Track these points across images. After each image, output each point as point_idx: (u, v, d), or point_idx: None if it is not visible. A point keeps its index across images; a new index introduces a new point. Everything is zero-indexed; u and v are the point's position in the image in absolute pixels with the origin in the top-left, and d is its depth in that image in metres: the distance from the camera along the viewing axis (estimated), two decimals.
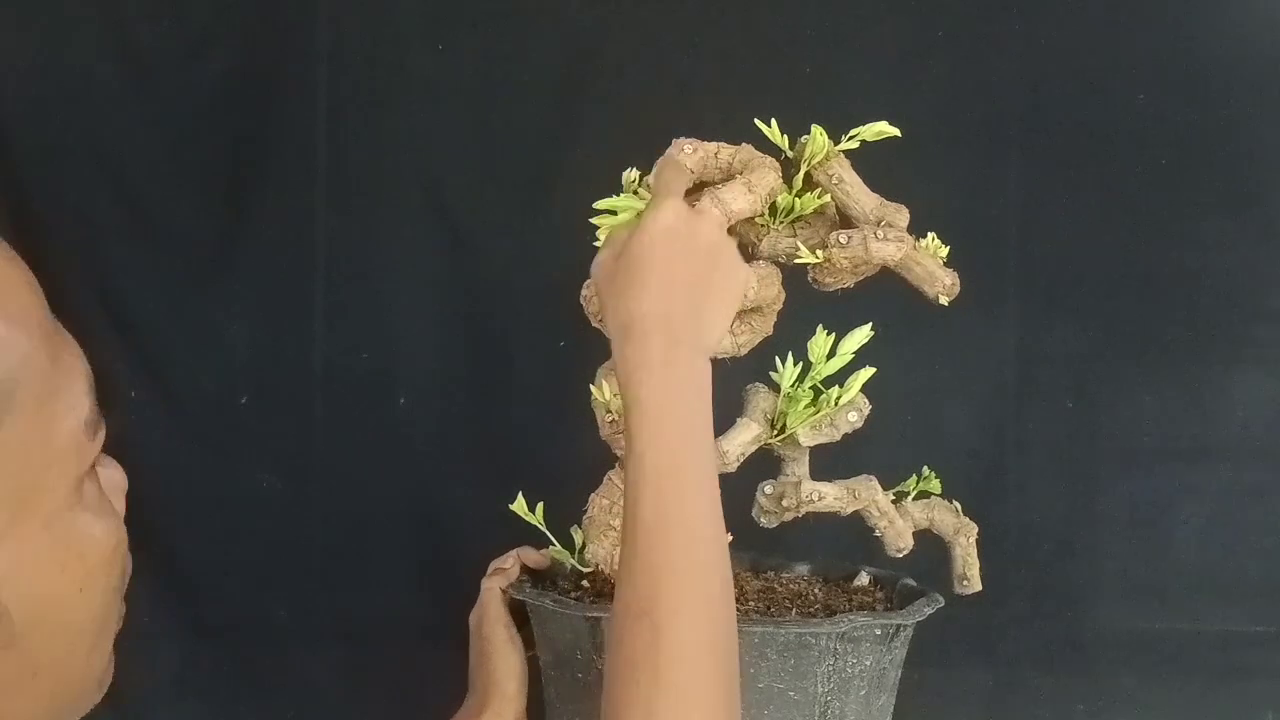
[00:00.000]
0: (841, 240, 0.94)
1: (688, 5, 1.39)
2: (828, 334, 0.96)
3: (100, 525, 0.60)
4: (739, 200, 0.90)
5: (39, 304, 0.58)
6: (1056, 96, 1.36)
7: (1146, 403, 1.37)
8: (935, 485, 1.04)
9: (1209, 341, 1.37)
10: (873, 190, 0.96)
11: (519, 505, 1.01)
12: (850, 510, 0.98)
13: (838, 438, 0.97)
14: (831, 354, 0.96)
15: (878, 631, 0.92)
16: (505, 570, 1.03)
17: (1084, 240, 1.37)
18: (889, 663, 0.95)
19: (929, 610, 0.95)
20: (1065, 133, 1.37)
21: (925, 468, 1.04)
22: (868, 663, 0.92)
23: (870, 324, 0.96)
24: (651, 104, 1.37)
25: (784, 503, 0.97)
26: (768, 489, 0.98)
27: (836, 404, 0.96)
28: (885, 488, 1.00)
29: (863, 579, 1.07)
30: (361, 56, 1.40)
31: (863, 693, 0.92)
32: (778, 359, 0.96)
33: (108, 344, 1.34)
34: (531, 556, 1.04)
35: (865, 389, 0.96)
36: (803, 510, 0.97)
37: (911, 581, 1.02)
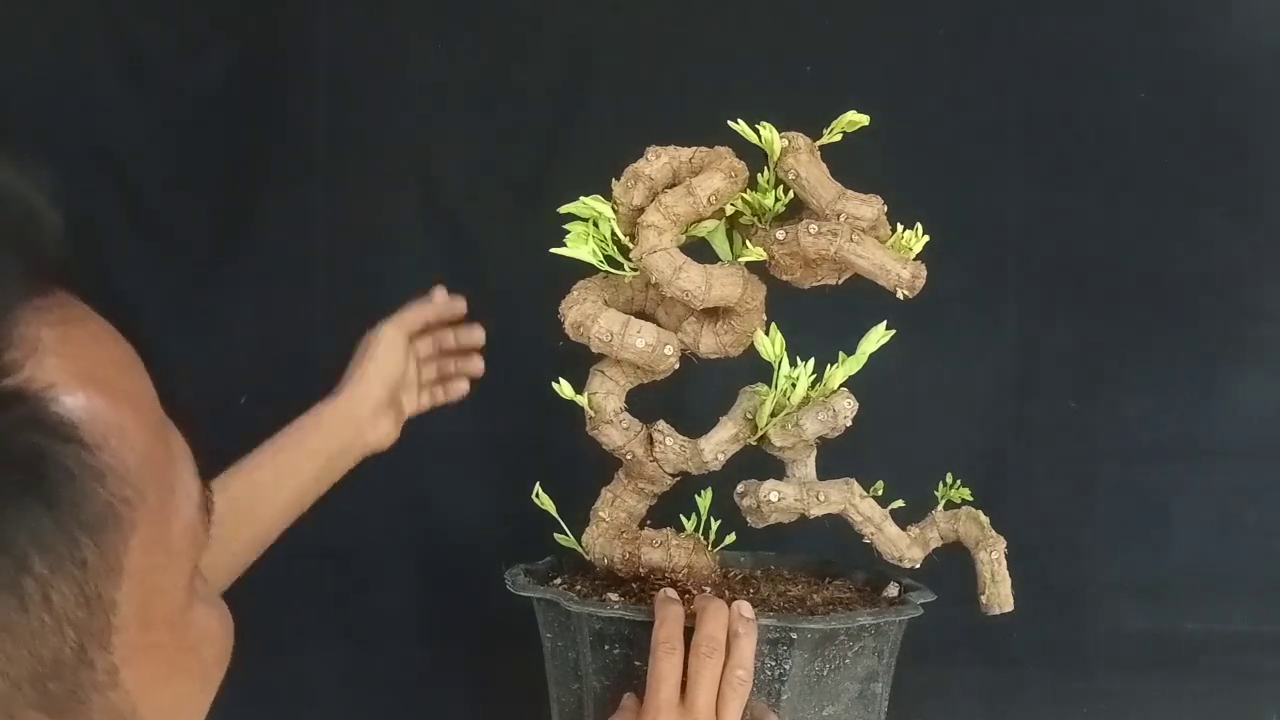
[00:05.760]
0: (779, 236, 0.94)
1: (687, 5, 1.39)
2: (805, 361, 0.95)
3: (215, 617, 0.55)
4: (680, 204, 0.92)
5: (149, 384, 0.52)
6: (1056, 96, 1.36)
7: (1147, 402, 1.37)
8: (961, 494, 1.00)
9: (1209, 341, 1.37)
10: (873, 190, 0.95)
11: (541, 498, 1.02)
12: (818, 513, 0.94)
13: (809, 439, 0.95)
14: (820, 374, 0.95)
15: (793, 636, 0.90)
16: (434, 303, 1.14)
17: (1084, 240, 1.37)
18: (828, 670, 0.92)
19: (818, 626, 0.91)
20: (1065, 133, 1.37)
21: (949, 475, 1.01)
22: (786, 667, 0.91)
23: (885, 323, 0.95)
24: (650, 104, 1.37)
25: (745, 502, 0.96)
26: (739, 489, 0.97)
27: (801, 406, 0.94)
28: (889, 491, 0.98)
29: (891, 590, 1.05)
30: (361, 56, 1.40)
31: (786, 696, 0.91)
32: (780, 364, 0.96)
33: None
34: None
35: (864, 388, 0.95)
36: (769, 511, 0.94)
37: (893, 591, 1.01)
